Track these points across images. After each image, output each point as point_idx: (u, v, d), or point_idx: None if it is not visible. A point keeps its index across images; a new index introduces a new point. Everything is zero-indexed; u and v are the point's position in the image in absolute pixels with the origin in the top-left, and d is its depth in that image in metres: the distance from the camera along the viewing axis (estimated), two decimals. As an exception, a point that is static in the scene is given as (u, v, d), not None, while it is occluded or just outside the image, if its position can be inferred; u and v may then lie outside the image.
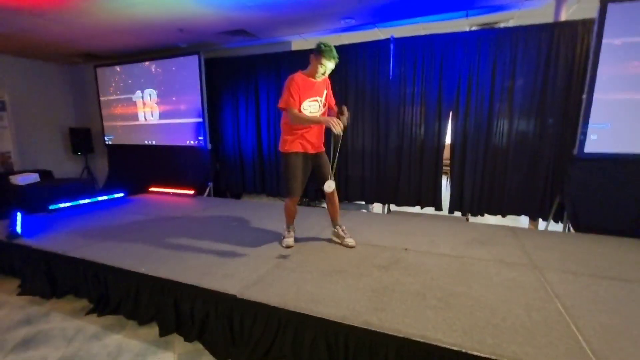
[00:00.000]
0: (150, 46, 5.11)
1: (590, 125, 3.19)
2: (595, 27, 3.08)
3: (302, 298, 1.92)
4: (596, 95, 3.14)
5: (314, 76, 2.41)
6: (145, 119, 5.40)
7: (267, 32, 4.67)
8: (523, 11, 3.86)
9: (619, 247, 2.71)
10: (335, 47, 4.31)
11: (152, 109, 5.30)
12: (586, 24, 3.31)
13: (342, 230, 2.75)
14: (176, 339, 2.16)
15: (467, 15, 4.05)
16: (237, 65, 4.90)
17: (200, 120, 4.90)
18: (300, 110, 2.41)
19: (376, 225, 3.33)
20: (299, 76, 2.43)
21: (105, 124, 5.80)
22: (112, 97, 5.62)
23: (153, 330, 2.25)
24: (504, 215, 3.85)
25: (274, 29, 4.55)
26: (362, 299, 1.91)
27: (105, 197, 4.59)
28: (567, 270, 2.26)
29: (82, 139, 6.27)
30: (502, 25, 4.29)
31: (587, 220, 3.23)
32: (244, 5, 3.62)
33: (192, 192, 4.67)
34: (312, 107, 2.44)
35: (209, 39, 4.87)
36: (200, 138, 4.94)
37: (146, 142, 5.44)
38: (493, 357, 1.43)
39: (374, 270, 2.29)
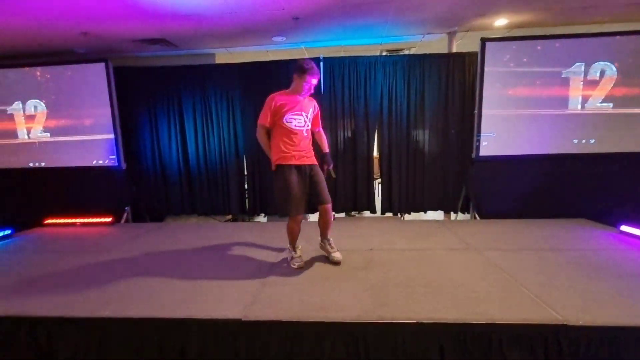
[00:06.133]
0: (35, 48, 4.21)
1: (482, 134, 4.08)
2: (479, 59, 3.99)
3: (310, 308, 1.96)
4: (484, 111, 4.04)
5: (299, 93, 2.48)
6: (29, 136, 4.39)
7: (190, 43, 4.43)
8: (424, 42, 4.68)
9: (517, 226, 3.55)
10: (266, 62, 4.44)
11: (39, 124, 4.36)
12: (471, 56, 4.24)
13: (329, 244, 2.70)
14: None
15: (381, 42, 4.67)
16: (154, 77, 4.45)
17: (111, 136, 4.26)
18: (280, 125, 2.45)
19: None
20: (280, 94, 2.48)
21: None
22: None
23: (128, 382, 1.92)
24: (425, 212, 4.54)
25: (199, 41, 4.35)
26: (363, 299, 2.06)
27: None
28: (496, 248, 2.87)
29: None
30: (406, 52, 5.09)
31: (487, 209, 4.11)
32: (176, 14, 3.40)
33: (109, 219, 4.00)
34: (297, 120, 2.46)
35: (119, 45, 4.32)
36: (112, 157, 4.29)
37: (31, 165, 4.41)
38: (490, 321, 1.77)
39: (357, 272, 2.46)
